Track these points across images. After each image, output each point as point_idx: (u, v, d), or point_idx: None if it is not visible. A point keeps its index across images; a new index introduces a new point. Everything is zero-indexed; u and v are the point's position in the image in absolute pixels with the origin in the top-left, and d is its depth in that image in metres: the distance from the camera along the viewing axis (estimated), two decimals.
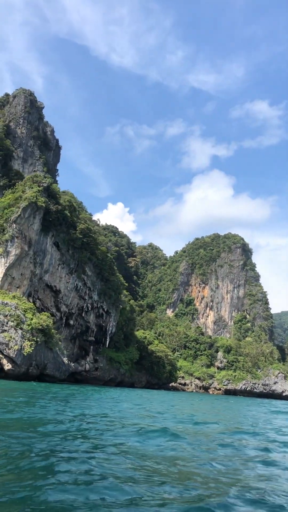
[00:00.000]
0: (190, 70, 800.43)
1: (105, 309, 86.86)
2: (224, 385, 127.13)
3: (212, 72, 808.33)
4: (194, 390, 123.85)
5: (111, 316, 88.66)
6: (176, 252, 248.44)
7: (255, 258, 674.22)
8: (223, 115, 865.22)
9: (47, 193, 77.10)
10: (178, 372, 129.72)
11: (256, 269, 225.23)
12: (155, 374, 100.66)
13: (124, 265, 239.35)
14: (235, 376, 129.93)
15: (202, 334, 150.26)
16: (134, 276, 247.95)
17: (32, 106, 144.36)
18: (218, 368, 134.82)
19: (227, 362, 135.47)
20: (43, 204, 71.59)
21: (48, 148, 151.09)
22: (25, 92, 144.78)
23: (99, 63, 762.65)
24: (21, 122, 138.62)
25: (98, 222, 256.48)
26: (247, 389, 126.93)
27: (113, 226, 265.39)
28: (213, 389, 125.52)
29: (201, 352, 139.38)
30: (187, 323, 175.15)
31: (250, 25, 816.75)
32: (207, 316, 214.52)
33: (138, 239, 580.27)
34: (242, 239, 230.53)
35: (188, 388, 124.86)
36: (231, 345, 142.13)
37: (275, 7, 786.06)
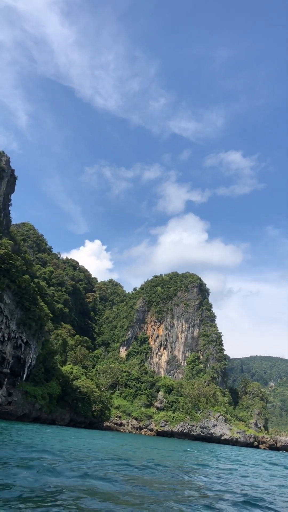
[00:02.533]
0: (172, 116, 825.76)
1: (24, 340, 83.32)
2: (161, 426, 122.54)
3: (192, 120, 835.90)
4: (127, 431, 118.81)
5: (31, 348, 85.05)
6: (135, 289, 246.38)
7: (227, 303, 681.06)
8: (198, 162, 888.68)
9: None
10: (115, 411, 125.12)
11: (212, 309, 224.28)
12: (80, 412, 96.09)
13: (81, 300, 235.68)
14: (173, 417, 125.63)
15: (146, 373, 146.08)
16: (92, 312, 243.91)
17: None
18: (157, 408, 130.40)
19: (167, 402, 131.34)
20: None
21: None
22: None
23: (84, 105, 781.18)
24: None
25: (58, 256, 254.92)
26: (184, 431, 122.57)
27: (74, 260, 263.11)
28: (146, 430, 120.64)
29: (142, 391, 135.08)
30: (133, 361, 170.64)
31: (231, 78, 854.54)
32: (161, 356, 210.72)
33: (114, 277, 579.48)
34: (199, 278, 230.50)
35: (123, 429, 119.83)
36: (173, 385, 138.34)
37: (254, 63, 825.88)
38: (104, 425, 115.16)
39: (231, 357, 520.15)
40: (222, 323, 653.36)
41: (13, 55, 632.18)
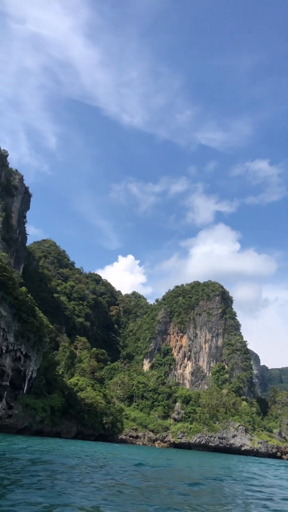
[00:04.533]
0: (198, 128, 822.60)
1: (24, 352, 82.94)
2: (178, 438, 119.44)
3: (219, 130, 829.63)
4: (141, 443, 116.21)
5: (31, 360, 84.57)
6: (157, 300, 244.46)
7: (264, 313, 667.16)
8: (225, 173, 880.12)
9: None
10: (131, 423, 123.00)
11: (236, 317, 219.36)
12: (86, 424, 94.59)
13: (104, 314, 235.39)
14: (190, 428, 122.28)
15: (163, 383, 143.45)
16: (115, 325, 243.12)
17: None
18: (174, 419, 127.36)
19: (185, 413, 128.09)
20: None
21: (10, 194, 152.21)
22: None
23: (110, 123, 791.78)
24: None
25: (81, 271, 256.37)
26: (202, 442, 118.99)
27: (96, 274, 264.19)
28: (159, 442, 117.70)
29: (159, 402, 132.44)
30: (151, 372, 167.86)
31: (256, 85, 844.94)
32: (185, 367, 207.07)
33: (148, 291, 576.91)
34: (221, 286, 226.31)
35: (138, 441, 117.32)
36: (191, 395, 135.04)
37: (278, 69, 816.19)
38: (119, 438, 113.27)
39: (270, 367, 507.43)
40: (260, 334, 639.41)
41: (40, 79, 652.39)
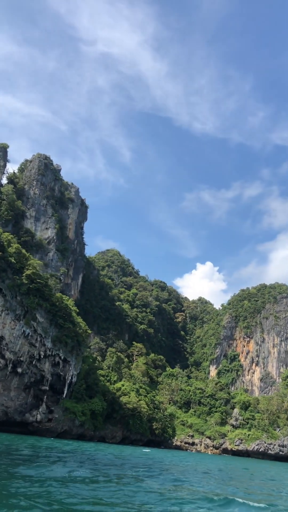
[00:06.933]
0: (272, 128, 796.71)
1: (62, 357, 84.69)
2: (236, 445, 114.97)
3: None
4: (195, 450, 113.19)
5: (71, 364, 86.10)
6: (222, 305, 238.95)
7: None
8: None
9: None
10: (187, 429, 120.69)
11: None
12: (131, 429, 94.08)
13: (169, 320, 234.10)
14: (249, 435, 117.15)
15: (222, 389, 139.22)
16: (182, 332, 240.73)
17: (47, 169, 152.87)
18: (232, 426, 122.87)
19: (243, 419, 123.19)
20: None
21: (64, 207, 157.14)
22: (40, 157, 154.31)
23: (182, 132, 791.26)
24: (34, 184, 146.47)
25: (146, 278, 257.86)
26: (260, 450, 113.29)
27: (161, 281, 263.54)
28: (212, 448, 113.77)
29: (216, 409, 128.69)
30: (210, 379, 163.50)
31: None
32: (253, 373, 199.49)
33: (228, 298, 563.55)
34: None
35: (191, 448, 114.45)
36: (250, 401, 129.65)
37: None
38: (173, 444, 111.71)
39: None
40: None
41: (112, 96, 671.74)
